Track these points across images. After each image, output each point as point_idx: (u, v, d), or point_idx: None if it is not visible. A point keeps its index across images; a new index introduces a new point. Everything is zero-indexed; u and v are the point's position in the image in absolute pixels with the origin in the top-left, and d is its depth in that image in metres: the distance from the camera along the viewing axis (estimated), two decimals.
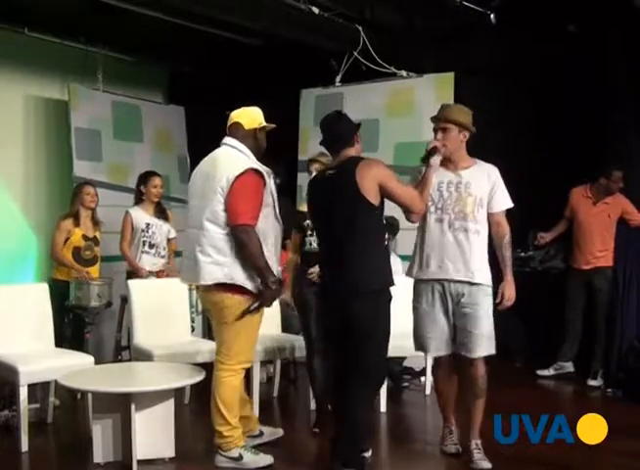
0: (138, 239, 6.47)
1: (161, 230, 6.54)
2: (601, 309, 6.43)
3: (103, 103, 7.89)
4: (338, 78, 7.32)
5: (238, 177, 4.13)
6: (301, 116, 7.66)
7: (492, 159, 6.70)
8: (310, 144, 7.46)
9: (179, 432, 4.56)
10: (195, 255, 4.23)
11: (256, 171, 4.21)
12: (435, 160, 4.31)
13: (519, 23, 6.61)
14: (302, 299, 5.08)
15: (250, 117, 4.43)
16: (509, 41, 6.66)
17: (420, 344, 4.52)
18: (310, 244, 5.05)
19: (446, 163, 4.41)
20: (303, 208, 4.95)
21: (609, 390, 6.11)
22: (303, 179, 7.38)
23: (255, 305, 4.22)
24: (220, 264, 4.17)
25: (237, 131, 4.39)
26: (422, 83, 6.86)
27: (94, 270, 6.36)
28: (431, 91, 6.74)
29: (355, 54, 6.95)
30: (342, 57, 7.14)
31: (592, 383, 6.33)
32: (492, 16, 6.49)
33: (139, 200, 6.58)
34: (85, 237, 6.29)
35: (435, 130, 4.45)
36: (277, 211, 4.38)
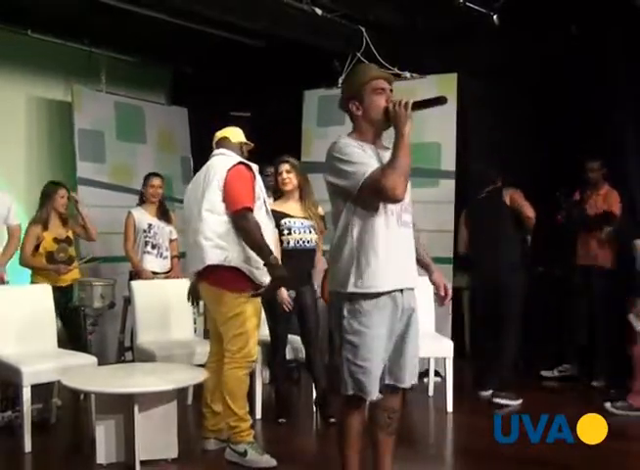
0: (140, 239, 6.51)
1: (163, 231, 6.57)
2: (600, 310, 6.42)
3: (106, 104, 7.91)
4: (340, 79, 7.18)
5: (230, 169, 4.38)
6: (304, 117, 7.67)
7: (493, 158, 6.77)
8: (313, 145, 7.51)
9: (182, 432, 4.58)
10: (198, 242, 4.39)
11: (246, 165, 4.44)
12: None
13: (520, 24, 6.61)
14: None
15: (234, 132, 4.71)
16: (510, 42, 6.64)
17: (360, 382, 3.35)
18: (288, 242, 5.25)
19: (376, 139, 3.50)
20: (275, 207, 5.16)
21: (612, 391, 6.09)
22: None
23: (264, 288, 4.36)
24: (222, 248, 4.35)
25: (225, 143, 4.65)
26: (425, 84, 6.85)
27: (74, 273, 6.31)
28: (433, 92, 6.67)
29: (358, 55, 6.94)
30: (345, 58, 7.13)
31: (596, 384, 6.32)
32: (495, 17, 6.48)
33: (141, 201, 6.63)
34: (56, 240, 6.20)
35: (384, 90, 3.48)
36: (267, 207, 4.58)
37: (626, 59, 6.41)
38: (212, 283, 4.42)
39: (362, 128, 3.45)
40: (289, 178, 5.30)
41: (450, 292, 3.64)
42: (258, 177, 4.50)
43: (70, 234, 6.37)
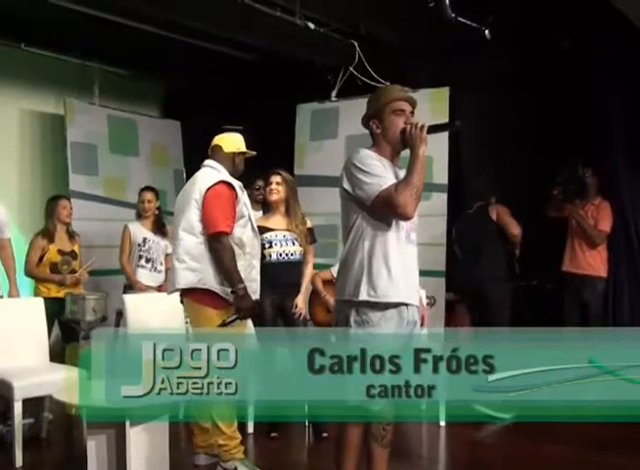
0: (135, 253, 6.50)
1: (159, 246, 6.54)
2: (593, 323, 6.40)
3: (99, 117, 7.92)
4: (333, 93, 7.35)
5: (209, 188, 4.33)
6: (297, 131, 7.67)
7: (485, 172, 6.75)
8: (306, 159, 7.54)
9: (174, 447, 4.51)
10: (173, 263, 4.44)
11: (228, 184, 4.38)
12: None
13: (511, 38, 6.66)
14: (261, 309, 5.10)
15: (228, 141, 4.63)
16: (502, 55, 6.71)
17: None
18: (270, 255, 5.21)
19: (394, 158, 3.61)
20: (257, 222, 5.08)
21: None
22: (299, 193, 7.40)
23: (233, 317, 4.29)
24: (194, 270, 4.33)
25: (216, 153, 4.60)
26: (417, 98, 6.82)
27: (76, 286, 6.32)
28: (425, 106, 6.70)
29: (351, 69, 6.99)
30: (338, 72, 7.18)
31: None
32: (487, 31, 6.52)
33: (138, 215, 6.64)
34: (61, 252, 6.25)
35: (404, 112, 3.58)
36: (253, 223, 4.55)
37: (618, 72, 6.43)
38: (194, 300, 4.40)
39: (381, 146, 3.57)
40: (277, 190, 5.29)
41: (426, 317, 3.81)
42: (242, 195, 4.46)
43: (76, 249, 6.40)
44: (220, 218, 4.29)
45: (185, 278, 4.34)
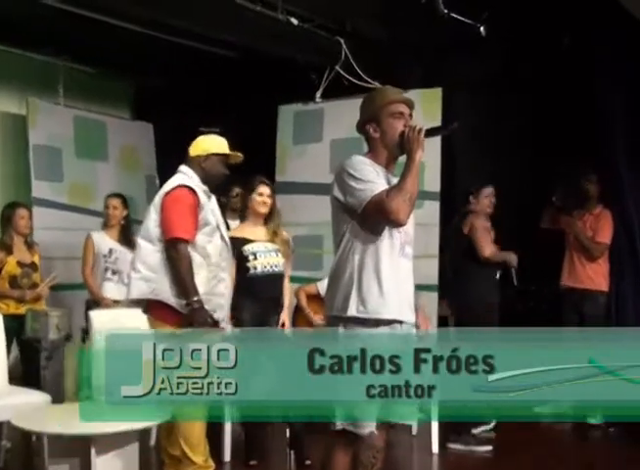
0: (100, 265, 6.24)
1: (126, 257, 6.22)
2: None
3: (64, 118, 7.73)
4: (318, 94, 7.20)
5: (168, 193, 4.20)
6: (279, 133, 7.51)
7: (484, 175, 6.49)
8: (289, 164, 7.38)
9: None
10: (129, 273, 4.36)
11: (189, 188, 4.20)
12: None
13: (509, 35, 6.56)
14: (240, 318, 5.05)
15: (197, 145, 4.45)
16: (499, 54, 6.64)
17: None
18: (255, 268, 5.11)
19: (390, 164, 3.49)
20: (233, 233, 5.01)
21: (611, 428, 5.80)
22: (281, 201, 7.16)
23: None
24: (149, 280, 4.17)
25: (186, 158, 4.43)
26: None
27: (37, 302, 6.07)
28: (417, 107, 6.46)
29: (337, 68, 6.86)
30: (323, 71, 7.05)
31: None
32: (482, 28, 6.39)
33: (104, 223, 6.41)
34: (20, 264, 5.97)
35: (402, 115, 3.46)
36: (222, 231, 4.39)
37: (618, 71, 6.34)
38: (154, 317, 4.20)
39: (377, 151, 3.47)
40: (267, 202, 5.19)
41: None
42: (207, 201, 4.24)
43: (36, 259, 6.14)
44: (178, 224, 4.12)
45: (138, 288, 4.19)
